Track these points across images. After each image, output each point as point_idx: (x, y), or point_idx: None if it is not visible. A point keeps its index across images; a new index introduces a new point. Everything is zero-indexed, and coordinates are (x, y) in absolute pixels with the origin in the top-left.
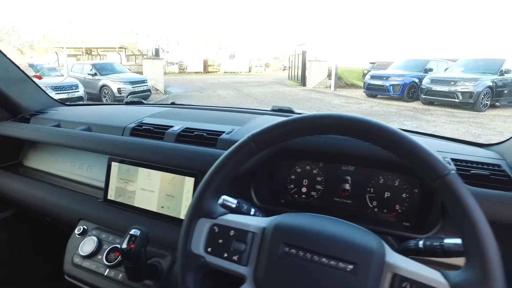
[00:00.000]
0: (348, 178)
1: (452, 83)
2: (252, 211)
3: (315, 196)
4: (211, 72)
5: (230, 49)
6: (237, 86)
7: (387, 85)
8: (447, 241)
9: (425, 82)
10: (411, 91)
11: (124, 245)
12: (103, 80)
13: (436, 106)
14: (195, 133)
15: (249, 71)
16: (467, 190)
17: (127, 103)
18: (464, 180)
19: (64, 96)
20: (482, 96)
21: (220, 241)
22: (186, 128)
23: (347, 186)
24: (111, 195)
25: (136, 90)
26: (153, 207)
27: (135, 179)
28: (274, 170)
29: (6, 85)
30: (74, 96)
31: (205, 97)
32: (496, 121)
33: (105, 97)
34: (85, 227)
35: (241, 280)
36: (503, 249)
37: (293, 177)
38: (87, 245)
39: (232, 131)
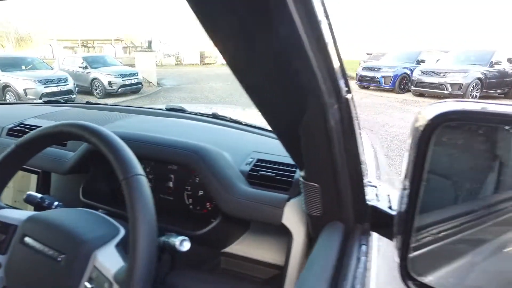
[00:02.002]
0: (172, 176)
1: (442, 74)
2: (54, 205)
3: None
4: (208, 64)
5: None
6: (232, 78)
7: (379, 76)
8: (163, 238)
9: (416, 74)
10: (402, 83)
11: None
12: (94, 73)
13: (427, 98)
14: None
15: None
16: (141, 195)
17: (45, 102)
18: (251, 180)
19: (54, 89)
20: (472, 88)
21: None
22: None
23: (171, 184)
24: None
25: (127, 83)
26: (9, 201)
27: None
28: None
29: None
30: (63, 89)
31: (197, 89)
32: None
33: (96, 90)
34: None
35: None
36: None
37: None
38: None
39: None
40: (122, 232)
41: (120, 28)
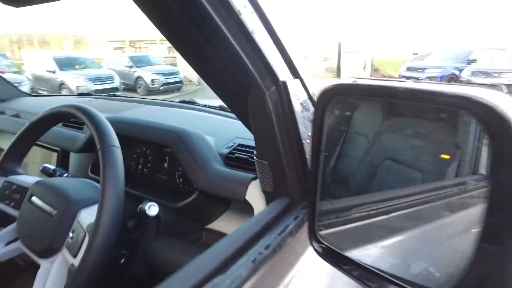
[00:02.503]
0: (167, 158)
1: (496, 75)
2: (64, 176)
3: (146, 172)
4: None
5: None
6: None
7: (423, 77)
8: (140, 205)
9: (465, 74)
10: None
11: None
12: (138, 71)
13: None
14: (71, 119)
15: None
16: (113, 162)
17: (79, 95)
18: (228, 162)
19: (102, 86)
20: None
21: (6, 192)
22: None
23: (166, 165)
24: None
25: (168, 81)
26: (36, 174)
27: (29, 154)
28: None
29: None
30: (110, 86)
31: None
32: None
33: (139, 87)
34: None
35: None
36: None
37: (134, 156)
38: None
39: None
40: None
41: None
